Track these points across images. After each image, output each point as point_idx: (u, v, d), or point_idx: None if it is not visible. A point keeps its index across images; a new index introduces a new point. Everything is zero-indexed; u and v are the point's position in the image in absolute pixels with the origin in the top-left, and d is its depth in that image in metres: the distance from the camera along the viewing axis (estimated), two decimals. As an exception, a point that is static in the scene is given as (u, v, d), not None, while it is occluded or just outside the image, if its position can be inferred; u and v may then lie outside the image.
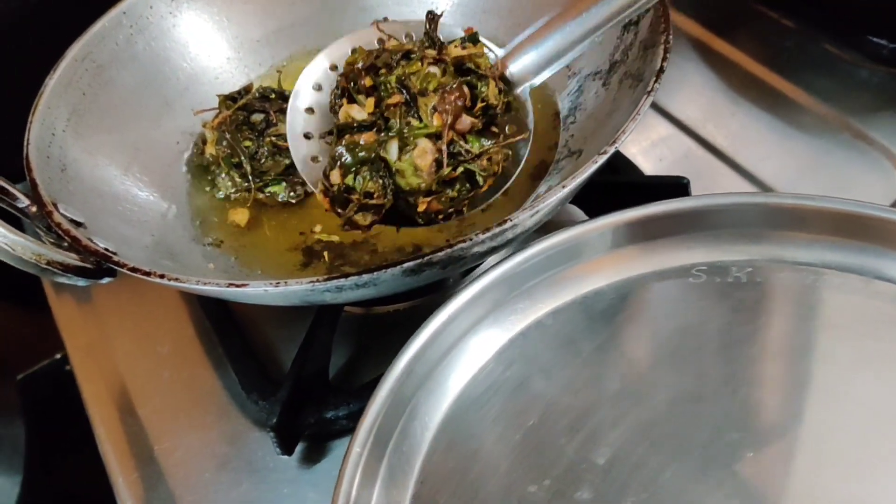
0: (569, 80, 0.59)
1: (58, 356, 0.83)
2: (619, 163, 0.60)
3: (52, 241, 0.46)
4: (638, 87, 0.49)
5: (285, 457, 0.49)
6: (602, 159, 0.42)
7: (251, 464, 0.51)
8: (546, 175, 0.55)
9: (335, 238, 0.55)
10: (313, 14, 0.68)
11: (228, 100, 0.59)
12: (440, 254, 0.40)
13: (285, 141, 0.57)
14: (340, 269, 0.52)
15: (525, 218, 0.41)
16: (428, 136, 0.46)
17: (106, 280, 0.46)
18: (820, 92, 0.66)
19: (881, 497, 0.35)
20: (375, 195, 0.46)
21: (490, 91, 0.48)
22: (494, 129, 0.49)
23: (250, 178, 0.56)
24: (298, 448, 0.50)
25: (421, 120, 0.47)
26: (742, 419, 0.39)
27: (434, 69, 0.48)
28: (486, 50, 0.51)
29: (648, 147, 0.66)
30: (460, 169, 0.47)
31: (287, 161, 0.57)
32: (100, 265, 0.44)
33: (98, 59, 0.58)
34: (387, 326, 0.57)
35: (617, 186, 0.57)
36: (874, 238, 0.42)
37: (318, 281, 0.40)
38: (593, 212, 0.55)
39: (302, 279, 0.40)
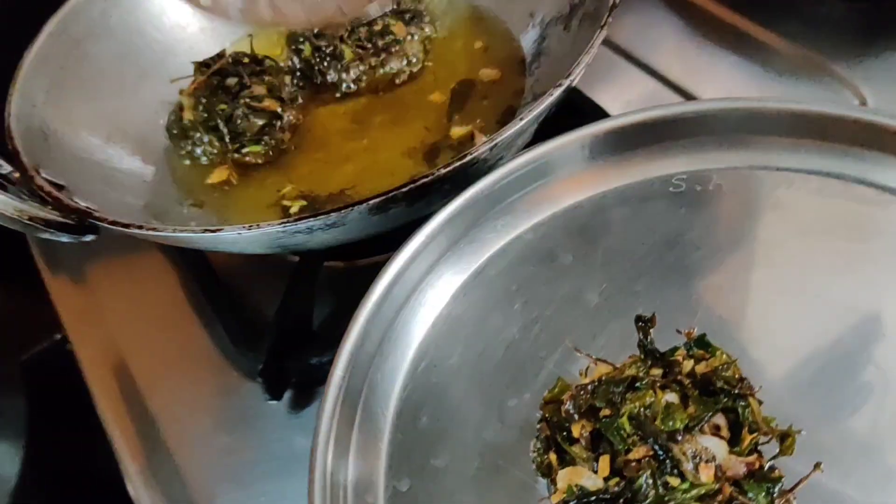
0: (532, 27, 0.60)
1: (58, 336, 0.85)
2: (587, 107, 0.61)
3: (35, 204, 0.47)
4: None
5: (274, 403, 0.51)
6: (557, 91, 0.44)
7: (243, 412, 0.53)
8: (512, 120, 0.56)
9: (310, 191, 0.56)
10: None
11: (203, 66, 0.61)
12: (403, 189, 0.42)
13: (259, 102, 0.59)
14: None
15: (484, 151, 0.42)
16: (700, 498, 0.33)
17: (89, 237, 0.47)
18: (783, 30, 0.67)
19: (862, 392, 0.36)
20: None
21: (756, 414, 0.35)
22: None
23: (227, 139, 0.58)
24: (286, 395, 0.51)
25: (682, 477, 0.34)
26: (724, 327, 0.39)
27: (671, 397, 0.35)
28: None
29: (616, 93, 0.66)
30: None
31: (261, 122, 0.58)
32: (82, 222, 0.46)
33: (74, 34, 0.60)
34: (368, 278, 0.58)
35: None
36: (855, 142, 0.42)
37: (288, 222, 0.42)
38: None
39: (273, 221, 0.42)
